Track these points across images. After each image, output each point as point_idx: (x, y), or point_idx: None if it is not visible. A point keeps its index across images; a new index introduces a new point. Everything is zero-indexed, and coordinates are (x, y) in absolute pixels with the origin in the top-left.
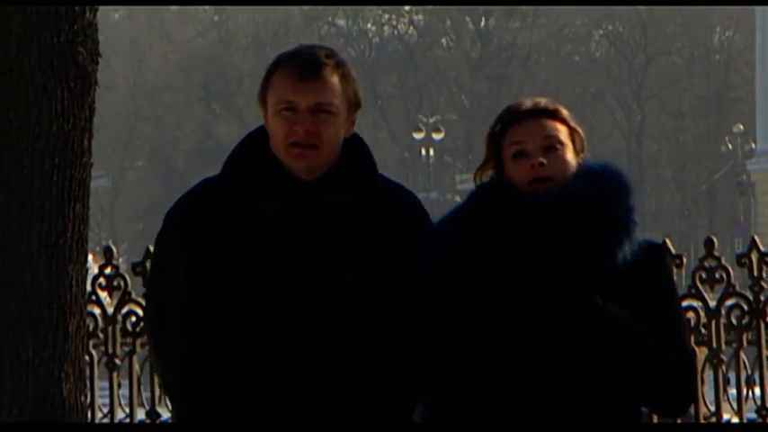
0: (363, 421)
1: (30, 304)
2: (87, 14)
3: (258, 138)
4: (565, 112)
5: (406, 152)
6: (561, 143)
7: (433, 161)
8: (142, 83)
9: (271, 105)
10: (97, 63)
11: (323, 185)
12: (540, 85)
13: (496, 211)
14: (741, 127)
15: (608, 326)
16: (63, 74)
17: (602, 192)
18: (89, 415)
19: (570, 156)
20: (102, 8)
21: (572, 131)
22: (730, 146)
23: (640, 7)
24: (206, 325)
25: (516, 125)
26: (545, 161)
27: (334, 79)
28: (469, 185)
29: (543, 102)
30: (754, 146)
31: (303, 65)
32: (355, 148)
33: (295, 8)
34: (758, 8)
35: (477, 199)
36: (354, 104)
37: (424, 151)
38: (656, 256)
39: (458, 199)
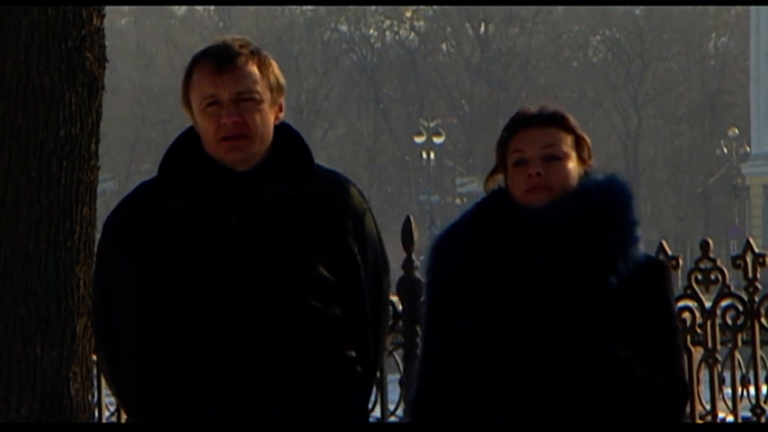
0: (318, 412)
1: (38, 305)
2: (94, 20)
3: (189, 137)
4: (572, 121)
5: (407, 156)
6: (563, 152)
7: (434, 164)
8: (148, 87)
9: (195, 104)
10: (104, 68)
11: (259, 176)
12: (538, 90)
13: (493, 223)
14: (736, 131)
15: (594, 354)
16: (71, 79)
17: (597, 211)
18: (96, 413)
19: (572, 166)
20: (108, 14)
21: (578, 140)
22: (725, 149)
23: (637, 14)
24: (154, 330)
25: (520, 132)
26: (541, 171)
27: (252, 67)
28: (469, 188)
29: (550, 109)
30: (748, 149)
31: (218, 57)
32: (287, 136)
33: (298, 14)
34: (752, 15)
35: (481, 208)
36: (277, 89)
37: (425, 155)
38: (654, 274)
39: (458, 202)
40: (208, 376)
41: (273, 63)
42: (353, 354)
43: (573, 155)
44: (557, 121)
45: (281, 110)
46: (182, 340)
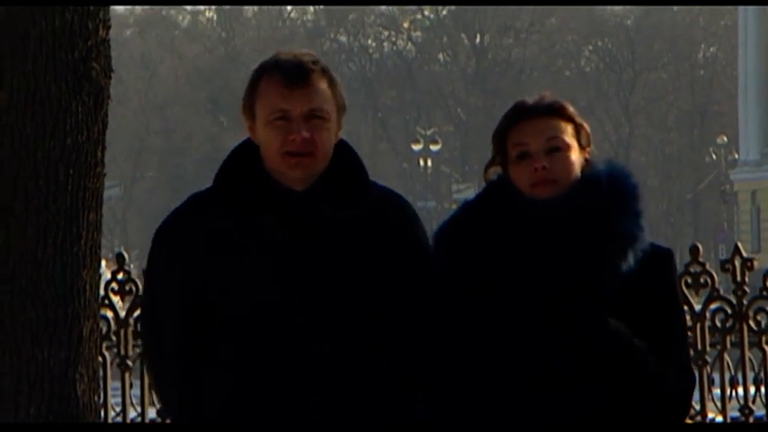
0: (366, 425)
1: (46, 308)
2: (100, 32)
3: (246, 151)
4: (570, 109)
5: (404, 163)
6: (566, 143)
7: (431, 171)
8: (153, 97)
9: (261, 116)
10: (110, 78)
11: (315, 195)
12: None
13: (499, 216)
14: (725, 138)
15: (605, 342)
16: (77, 89)
17: (606, 201)
18: (102, 414)
19: (575, 156)
20: (114, 26)
21: (577, 128)
22: (714, 157)
23: (628, 24)
24: (202, 345)
25: (521, 124)
26: (546, 165)
27: (323, 84)
28: (466, 195)
29: (548, 99)
30: (736, 156)
31: (291, 72)
32: (344, 155)
33: (299, 25)
34: (741, 26)
35: (484, 199)
36: (342, 108)
37: (422, 162)
38: (662, 263)
39: (455, 207)
40: (253, 394)
41: (339, 82)
42: (402, 377)
43: (575, 144)
44: (557, 111)
45: (340, 129)
46: (228, 357)
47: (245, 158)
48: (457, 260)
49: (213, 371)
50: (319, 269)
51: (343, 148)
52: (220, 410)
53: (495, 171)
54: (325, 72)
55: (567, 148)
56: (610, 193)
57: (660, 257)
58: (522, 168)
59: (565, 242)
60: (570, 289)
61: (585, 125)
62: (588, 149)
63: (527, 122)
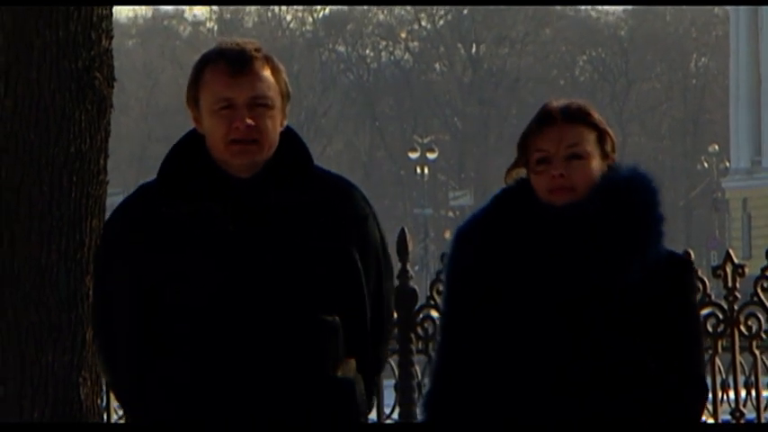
0: (319, 421)
1: (50, 313)
2: (103, 42)
3: (191, 141)
4: (595, 116)
5: (402, 170)
6: (586, 152)
7: (428, 179)
8: (154, 105)
9: (206, 105)
10: (112, 87)
11: (261, 182)
12: (527, 108)
13: (517, 220)
14: (716, 147)
15: (620, 348)
16: (81, 97)
17: (621, 208)
18: (105, 417)
19: (596, 163)
20: (116, 36)
21: (601, 134)
22: (706, 165)
23: (622, 35)
24: (153, 334)
25: (543, 129)
26: (564, 172)
27: (266, 72)
28: (462, 202)
29: (574, 105)
30: (728, 165)
31: (234, 60)
32: (289, 141)
33: (298, 35)
34: (732, 37)
35: (500, 202)
36: (286, 96)
37: (419, 170)
38: (678, 271)
39: (451, 215)
40: (205, 384)
41: (283, 69)
42: (354, 361)
43: (596, 152)
44: (580, 118)
45: (285, 117)
46: (179, 347)
47: (190, 149)
48: (474, 264)
49: (166, 362)
50: (267, 255)
51: (288, 136)
52: (174, 402)
53: (518, 173)
54: (268, 60)
55: (587, 155)
56: (626, 199)
57: (676, 265)
58: (540, 174)
59: (580, 248)
60: (587, 295)
61: (611, 132)
62: (613, 157)
63: (549, 128)
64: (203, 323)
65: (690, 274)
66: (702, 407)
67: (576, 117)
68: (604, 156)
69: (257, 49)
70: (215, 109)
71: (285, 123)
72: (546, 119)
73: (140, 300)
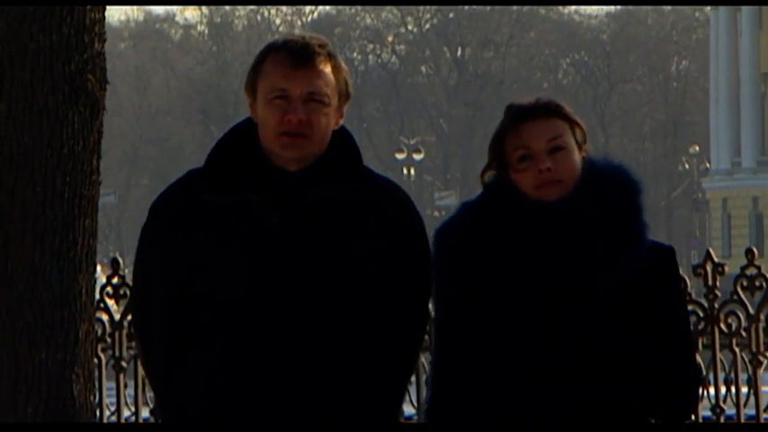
0: (348, 421)
1: (43, 311)
2: (96, 45)
3: (245, 129)
4: (566, 108)
5: (388, 171)
6: (566, 143)
7: (414, 179)
8: (146, 107)
9: (262, 94)
10: (105, 90)
11: (308, 178)
12: None
13: (503, 217)
14: (697, 148)
15: (603, 339)
16: (73, 100)
17: (610, 199)
18: (98, 413)
19: (576, 154)
20: (109, 39)
21: (573, 126)
22: (687, 166)
23: (604, 38)
24: (188, 323)
25: (520, 126)
26: (551, 166)
27: (327, 68)
28: (447, 202)
29: (544, 99)
30: (708, 165)
31: (296, 53)
32: (342, 140)
33: None
34: (712, 40)
35: (484, 201)
36: (345, 95)
37: (405, 170)
38: (665, 260)
39: (437, 214)
40: (233, 377)
41: (345, 69)
42: (385, 364)
43: (574, 143)
44: (554, 111)
45: (342, 116)
46: (209, 338)
47: (242, 137)
48: (459, 260)
49: (196, 353)
50: (309, 250)
51: (342, 136)
52: (201, 393)
53: (490, 175)
54: (331, 56)
55: (568, 147)
56: (614, 191)
57: (662, 255)
58: (525, 171)
59: (571, 241)
60: (571, 286)
61: (581, 123)
62: (585, 147)
63: (526, 124)
64: (233, 315)
65: (675, 263)
66: (696, 395)
67: (550, 111)
68: (578, 147)
69: (321, 45)
70: (270, 98)
71: (341, 123)
72: (520, 116)
73: (176, 287)
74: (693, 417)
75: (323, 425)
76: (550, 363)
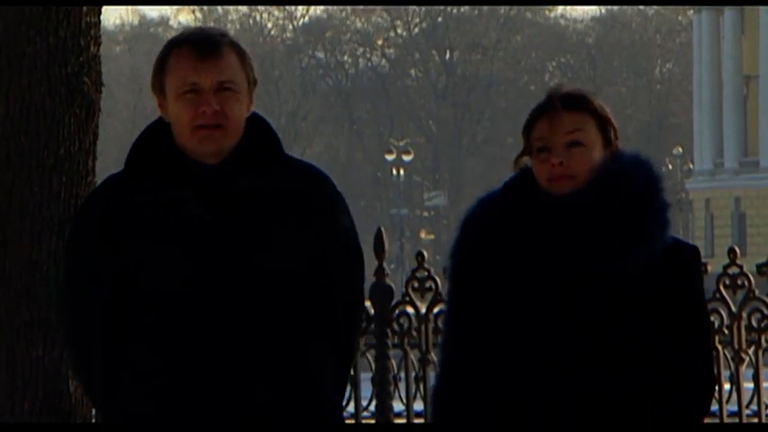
0: (292, 408)
1: (40, 309)
2: (91, 48)
3: (156, 129)
4: (595, 103)
5: (378, 172)
6: (586, 139)
7: (403, 180)
8: (141, 109)
9: (171, 90)
10: (100, 92)
11: (230, 168)
12: (499, 112)
13: (520, 207)
14: (680, 149)
15: (611, 330)
16: (70, 102)
17: (621, 195)
18: (93, 410)
19: (596, 151)
20: (104, 42)
21: (602, 121)
22: (670, 166)
23: (589, 42)
24: (126, 326)
25: (543, 117)
26: (564, 160)
27: (232, 56)
28: (436, 202)
29: (575, 92)
30: (691, 166)
31: (201, 44)
32: (257, 128)
33: (279, 42)
34: (695, 43)
35: (507, 190)
36: (253, 81)
37: (395, 171)
38: (685, 259)
39: (426, 215)
40: (176, 372)
41: (248, 55)
42: (325, 347)
43: (598, 140)
44: (581, 105)
45: (252, 102)
46: (151, 335)
47: (156, 138)
48: (477, 250)
49: (135, 351)
50: (240, 242)
51: (255, 122)
52: (145, 392)
53: (524, 162)
54: (233, 45)
55: (588, 143)
56: (626, 186)
57: (684, 254)
58: (540, 163)
59: (580, 235)
60: (580, 277)
61: (612, 119)
62: (616, 144)
63: (549, 116)
64: (173, 311)
65: (698, 262)
66: (709, 397)
67: (577, 104)
68: (607, 143)
69: (223, 35)
70: (180, 93)
71: (252, 109)
72: (547, 107)
73: (111, 290)
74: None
75: (261, 420)
76: (558, 352)
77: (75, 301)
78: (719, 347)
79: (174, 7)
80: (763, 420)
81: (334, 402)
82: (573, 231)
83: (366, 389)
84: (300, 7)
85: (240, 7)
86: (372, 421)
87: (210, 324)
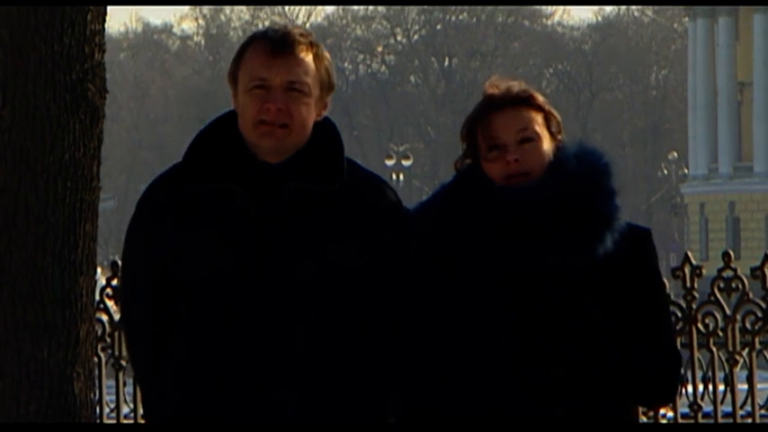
0: (332, 416)
1: (45, 311)
2: (96, 55)
3: (226, 121)
4: (540, 98)
5: None
6: (536, 134)
7: (403, 185)
8: (145, 115)
9: (242, 83)
10: (105, 98)
11: (289, 170)
12: None
13: (470, 205)
14: (675, 154)
15: (583, 327)
16: (74, 108)
17: (575, 182)
18: (98, 410)
19: (546, 145)
20: (108, 49)
21: (547, 116)
22: (666, 171)
23: (586, 49)
24: (170, 316)
25: (490, 116)
26: (519, 157)
27: (308, 57)
28: None
29: (516, 88)
30: (686, 171)
31: (276, 41)
32: (325, 133)
33: None
34: (690, 50)
35: (454, 188)
36: (327, 86)
37: (394, 176)
38: (640, 242)
39: None
40: (209, 370)
41: (328, 59)
42: (368, 360)
43: (545, 133)
44: (526, 101)
45: (325, 107)
46: (189, 327)
47: (224, 128)
48: (427, 244)
49: (175, 341)
50: (289, 244)
51: (326, 127)
52: (179, 387)
53: (465, 164)
54: (312, 46)
55: (539, 138)
56: (578, 173)
57: (638, 237)
58: (494, 161)
59: (535, 226)
60: (534, 271)
61: (555, 113)
62: (560, 138)
63: (497, 114)
64: (210, 306)
65: (651, 245)
66: (676, 377)
67: (522, 100)
68: (552, 137)
69: (303, 34)
70: (249, 87)
71: (324, 114)
72: (492, 105)
73: (159, 279)
74: (672, 412)
75: (297, 422)
76: (513, 348)
77: (130, 287)
78: (714, 349)
79: (178, 15)
80: (758, 421)
81: (369, 416)
82: (531, 224)
83: None
84: (302, 15)
85: (243, 15)
86: None
87: (241, 325)
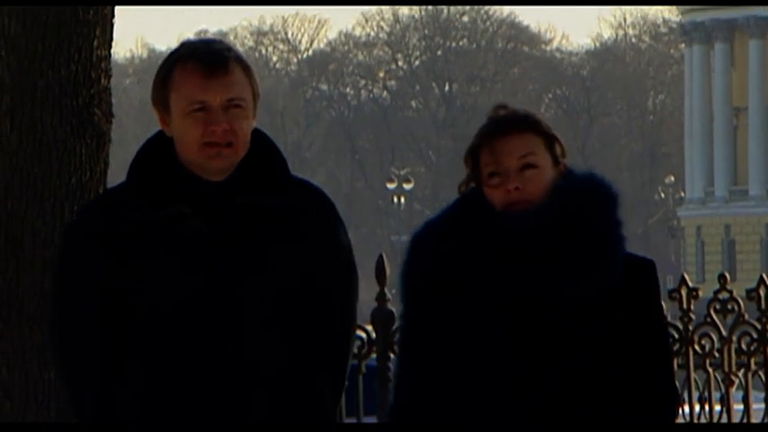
0: (287, 426)
1: None
2: (102, 80)
3: (158, 143)
4: (543, 123)
5: (380, 200)
6: (538, 161)
7: (404, 208)
8: None
9: (177, 107)
10: (111, 123)
11: (234, 185)
12: None
13: (471, 227)
14: (672, 178)
15: (584, 353)
16: (81, 132)
17: (577, 212)
18: None
19: (548, 172)
20: (114, 75)
21: (550, 141)
22: (662, 195)
23: (584, 74)
24: (123, 341)
25: (493, 142)
26: (519, 185)
27: (239, 72)
28: None
29: (520, 113)
30: (683, 195)
31: (208, 61)
32: (260, 144)
33: (283, 75)
34: (686, 75)
35: (457, 212)
36: (257, 96)
37: (395, 199)
38: (644, 273)
39: None
40: (172, 387)
41: (252, 69)
42: (320, 366)
43: (548, 160)
44: (529, 127)
45: (254, 117)
46: (147, 351)
47: (157, 152)
48: (431, 267)
49: (134, 367)
50: (238, 258)
51: (258, 137)
52: (142, 412)
53: (470, 187)
54: (239, 60)
55: (540, 165)
56: (584, 200)
57: (642, 268)
58: (495, 188)
59: (537, 251)
60: (535, 298)
61: (559, 138)
62: (564, 162)
63: (499, 140)
64: (171, 329)
65: (654, 277)
66: (674, 411)
67: (525, 126)
68: (555, 162)
69: (228, 49)
70: (188, 111)
71: (254, 124)
72: (494, 131)
73: (108, 305)
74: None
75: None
76: (514, 372)
77: (67, 314)
78: (710, 370)
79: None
80: None
81: (329, 418)
82: (529, 251)
83: None
84: (304, 41)
85: (246, 40)
86: None
87: (207, 341)
